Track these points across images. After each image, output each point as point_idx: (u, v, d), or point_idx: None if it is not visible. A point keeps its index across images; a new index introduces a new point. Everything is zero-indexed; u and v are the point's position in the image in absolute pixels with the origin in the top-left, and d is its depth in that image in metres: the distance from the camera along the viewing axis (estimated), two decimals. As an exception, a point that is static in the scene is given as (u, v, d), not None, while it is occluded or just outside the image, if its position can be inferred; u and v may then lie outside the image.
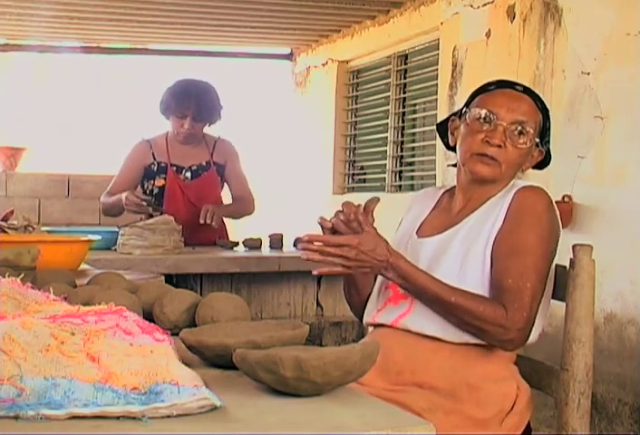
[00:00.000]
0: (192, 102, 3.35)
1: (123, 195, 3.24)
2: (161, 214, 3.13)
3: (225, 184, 3.62)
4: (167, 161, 3.48)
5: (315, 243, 1.54)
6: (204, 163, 3.52)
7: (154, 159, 3.49)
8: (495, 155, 1.65)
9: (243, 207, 3.59)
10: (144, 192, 3.50)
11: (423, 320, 1.62)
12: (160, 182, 3.47)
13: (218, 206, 3.42)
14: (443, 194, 1.82)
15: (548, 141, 1.75)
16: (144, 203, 3.21)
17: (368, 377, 1.20)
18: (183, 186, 3.47)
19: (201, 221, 3.23)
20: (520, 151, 1.67)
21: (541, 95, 1.77)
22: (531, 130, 1.66)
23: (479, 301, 1.55)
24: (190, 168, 3.49)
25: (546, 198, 1.64)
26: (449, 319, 1.58)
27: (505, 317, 1.53)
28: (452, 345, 1.61)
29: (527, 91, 1.72)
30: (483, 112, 1.66)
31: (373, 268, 1.56)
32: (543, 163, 1.79)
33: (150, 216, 3.16)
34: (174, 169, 3.47)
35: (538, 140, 1.70)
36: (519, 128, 1.65)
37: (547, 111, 1.73)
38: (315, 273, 1.58)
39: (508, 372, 1.63)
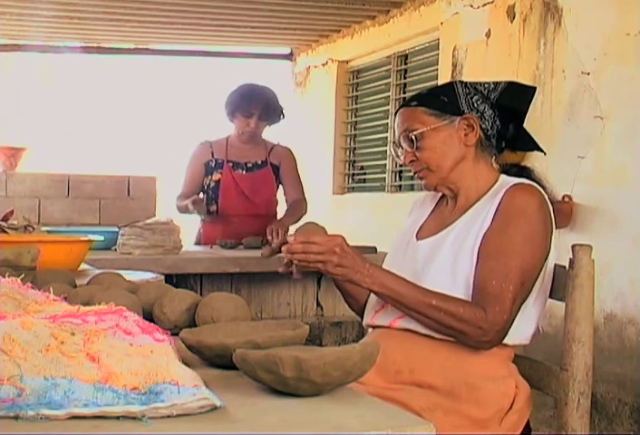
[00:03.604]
0: (260, 102, 3.61)
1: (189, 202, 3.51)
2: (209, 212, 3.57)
3: (280, 186, 3.79)
4: (224, 158, 3.69)
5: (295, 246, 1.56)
6: (260, 162, 3.73)
7: (212, 156, 3.71)
8: (415, 169, 1.75)
9: (298, 212, 3.72)
10: (203, 188, 3.72)
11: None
12: (216, 177, 3.68)
13: (280, 223, 3.55)
14: (442, 197, 1.83)
15: (476, 102, 1.71)
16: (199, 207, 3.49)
17: (367, 376, 1.20)
18: (238, 179, 3.66)
19: (268, 237, 3.40)
20: (431, 146, 1.69)
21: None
22: (416, 127, 1.70)
23: (458, 303, 1.56)
24: (246, 164, 3.70)
25: (537, 197, 1.62)
26: (429, 323, 1.59)
27: (484, 319, 1.54)
28: (451, 345, 1.61)
29: (402, 105, 1.79)
30: (395, 147, 1.79)
31: (353, 269, 1.55)
32: (519, 101, 1.75)
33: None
34: (230, 164, 3.68)
35: (443, 117, 1.69)
36: (405, 136, 1.72)
37: (432, 92, 1.77)
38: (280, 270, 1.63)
39: (506, 370, 1.63)
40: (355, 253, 1.57)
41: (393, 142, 1.80)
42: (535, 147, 1.81)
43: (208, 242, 3.65)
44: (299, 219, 3.71)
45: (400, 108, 1.79)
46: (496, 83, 1.75)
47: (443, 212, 1.78)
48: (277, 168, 3.76)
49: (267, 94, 3.68)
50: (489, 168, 1.74)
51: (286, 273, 1.64)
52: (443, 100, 1.72)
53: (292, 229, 3.58)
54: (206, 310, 1.28)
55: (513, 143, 1.79)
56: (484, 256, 1.60)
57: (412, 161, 1.73)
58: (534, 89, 1.81)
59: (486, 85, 1.74)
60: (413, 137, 1.70)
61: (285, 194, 3.80)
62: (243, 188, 3.64)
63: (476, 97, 1.72)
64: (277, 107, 3.70)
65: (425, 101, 1.73)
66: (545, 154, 1.84)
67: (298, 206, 3.74)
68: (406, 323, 1.65)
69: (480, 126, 1.71)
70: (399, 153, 1.78)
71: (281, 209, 3.79)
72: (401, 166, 5.50)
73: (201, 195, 3.72)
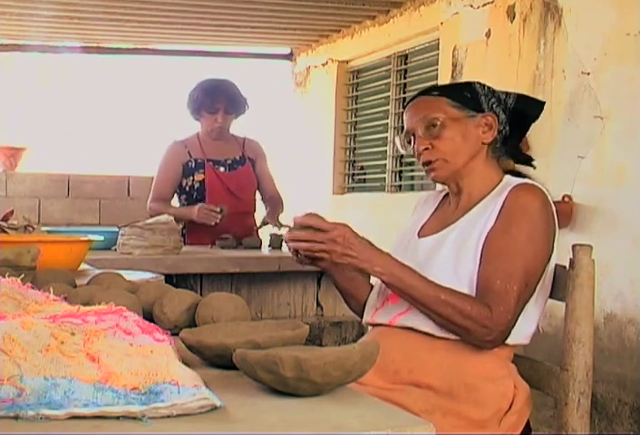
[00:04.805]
0: (224, 96, 3.57)
1: (195, 208, 3.45)
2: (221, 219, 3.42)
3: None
4: (203, 157, 3.64)
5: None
6: (238, 158, 3.71)
7: (190, 156, 3.65)
8: (428, 158, 1.71)
9: (280, 208, 3.76)
10: (183, 189, 3.68)
11: (421, 318, 1.62)
12: (199, 177, 3.63)
13: (274, 216, 3.65)
14: (444, 197, 1.85)
15: (495, 103, 1.74)
16: (217, 210, 3.41)
17: (366, 376, 1.20)
18: (223, 177, 3.64)
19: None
20: (450, 136, 1.69)
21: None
22: (439, 115, 1.69)
23: (466, 300, 1.56)
24: (226, 161, 3.67)
25: (540, 197, 1.63)
26: (434, 317, 1.59)
27: (490, 318, 1.54)
28: (449, 344, 1.61)
29: (420, 93, 1.79)
30: (404, 136, 1.77)
31: (359, 258, 1.56)
32: (529, 113, 1.79)
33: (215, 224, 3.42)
34: (211, 163, 3.64)
35: (466, 111, 1.71)
36: (426, 122, 1.71)
37: (454, 87, 1.80)
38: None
39: (505, 370, 1.63)
40: (363, 242, 1.56)
41: (401, 131, 1.79)
42: (526, 160, 1.83)
43: (194, 243, 3.60)
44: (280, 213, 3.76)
45: (416, 96, 1.78)
46: (507, 93, 1.78)
47: (446, 211, 1.79)
48: (254, 162, 3.76)
49: (229, 87, 3.66)
50: (496, 169, 1.75)
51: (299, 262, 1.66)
52: (466, 95, 1.73)
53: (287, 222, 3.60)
54: (206, 310, 1.28)
55: (510, 152, 1.81)
56: (488, 256, 1.60)
57: (425, 149, 1.71)
58: (543, 103, 1.83)
59: (501, 92, 1.77)
60: (438, 122, 1.69)
61: (260, 189, 3.80)
62: (229, 186, 3.62)
63: (494, 99, 1.74)
64: (241, 98, 3.67)
65: (448, 92, 1.74)
66: (535, 168, 1.84)
67: (278, 203, 3.78)
68: (406, 321, 1.65)
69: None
70: (404, 142, 1.78)
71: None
72: (401, 165, 5.50)
73: (176, 200, 3.69)
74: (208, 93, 3.59)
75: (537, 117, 1.80)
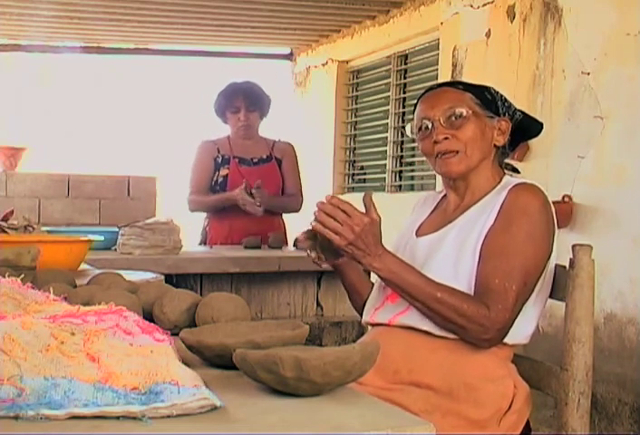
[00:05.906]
0: (241, 94, 3.68)
1: (236, 194, 3.49)
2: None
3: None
4: (230, 154, 3.72)
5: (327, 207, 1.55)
6: (265, 156, 3.77)
7: (219, 152, 3.74)
8: (447, 147, 1.70)
9: (290, 202, 3.77)
10: (211, 185, 3.73)
11: (421, 317, 1.62)
12: (224, 172, 3.70)
13: (270, 195, 3.61)
14: (442, 198, 1.85)
15: (509, 110, 1.77)
16: (254, 202, 3.45)
17: (366, 375, 1.20)
18: (245, 173, 3.68)
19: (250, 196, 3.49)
20: (472, 129, 1.69)
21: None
22: (464, 109, 1.70)
23: (463, 298, 1.56)
24: (252, 159, 3.74)
25: (539, 197, 1.64)
26: (431, 316, 1.59)
27: (487, 317, 1.54)
28: (449, 344, 1.61)
29: (442, 84, 1.81)
30: (418, 122, 1.75)
31: (364, 252, 1.56)
32: (530, 131, 1.84)
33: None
34: (237, 160, 3.72)
35: (486, 112, 1.72)
36: (450, 113, 1.70)
37: (476, 86, 1.78)
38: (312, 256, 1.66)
39: (505, 370, 1.63)
40: (374, 237, 1.56)
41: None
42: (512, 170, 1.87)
43: (215, 240, 3.65)
44: (287, 210, 3.76)
45: (437, 86, 1.80)
46: (516, 108, 1.81)
47: (446, 210, 1.79)
48: (281, 161, 3.80)
49: (247, 86, 3.74)
50: (499, 172, 1.77)
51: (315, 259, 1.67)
52: (487, 96, 1.75)
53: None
54: (206, 310, 1.28)
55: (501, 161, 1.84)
56: (487, 255, 1.60)
57: (445, 138, 1.70)
58: (542, 124, 1.87)
59: (512, 104, 1.80)
60: (463, 114, 1.69)
61: (283, 188, 3.81)
62: (250, 181, 3.64)
63: (507, 107, 1.77)
64: (261, 95, 3.74)
65: (472, 89, 1.76)
66: (511, 176, 1.85)
67: (292, 199, 3.77)
68: (406, 320, 1.66)
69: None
70: (413, 130, 1.78)
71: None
72: (401, 165, 5.50)
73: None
74: (228, 94, 3.70)
75: (535, 136, 1.86)
